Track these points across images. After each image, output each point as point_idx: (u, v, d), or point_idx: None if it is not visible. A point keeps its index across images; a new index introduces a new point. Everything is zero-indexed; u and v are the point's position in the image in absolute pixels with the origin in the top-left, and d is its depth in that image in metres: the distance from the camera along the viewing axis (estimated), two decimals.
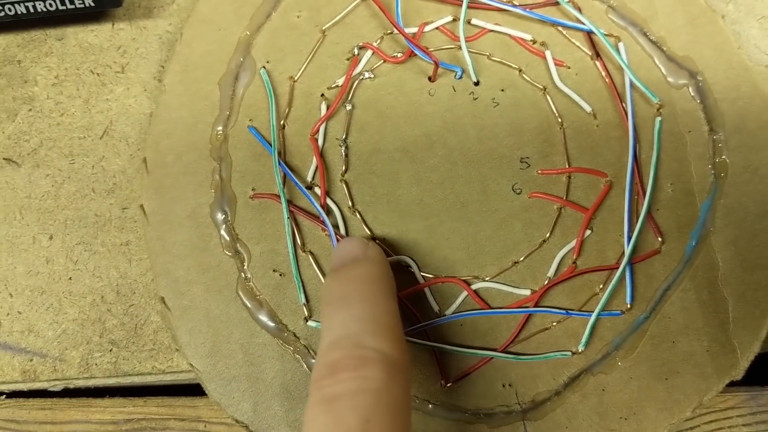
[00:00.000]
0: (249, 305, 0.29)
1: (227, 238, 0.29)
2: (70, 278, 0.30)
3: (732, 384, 0.29)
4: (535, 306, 0.29)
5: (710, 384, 0.28)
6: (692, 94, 0.30)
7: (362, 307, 0.24)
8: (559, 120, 0.30)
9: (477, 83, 0.31)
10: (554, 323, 0.29)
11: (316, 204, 0.29)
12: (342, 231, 0.29)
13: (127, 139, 0.31)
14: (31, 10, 0.30)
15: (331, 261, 0.27)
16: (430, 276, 0.29)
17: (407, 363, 0.23)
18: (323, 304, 0.25)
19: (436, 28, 0.31)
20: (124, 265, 0.30)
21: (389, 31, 0.31)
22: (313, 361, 0.28)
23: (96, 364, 0.30)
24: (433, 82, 0.31)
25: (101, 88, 0.32)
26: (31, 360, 0.30)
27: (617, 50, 0.31)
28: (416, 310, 0.29)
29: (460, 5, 0.31)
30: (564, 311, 0.29)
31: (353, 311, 0.23)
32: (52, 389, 0.30)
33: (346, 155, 0.30)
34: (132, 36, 0.32)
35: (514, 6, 0.31)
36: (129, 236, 0.30)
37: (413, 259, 0.29)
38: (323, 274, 0.29)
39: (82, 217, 0.31)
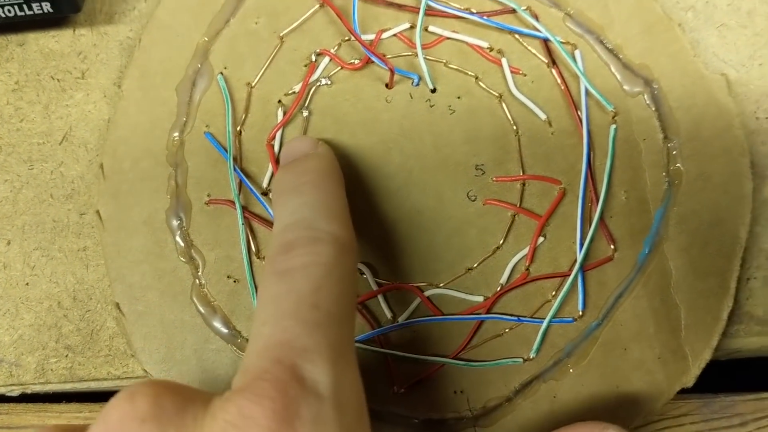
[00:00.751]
0: (203, 311, 0.29)
1: (182, 244, 0.29)
2: (27, 284, 0.30)
3: (684, 391, 0.29)
4: (488, 312, 0.29)
5: (661, 391, 0.29)
6: (648, 101, 0.31)
7: (314, 195, 0.25)
8: (515, 127, 0.30)
9: (434, 90, 0.31)
10: (506, 330, 0.29)
11: (271, 211, 0.29)
12: None
13: (86, 144, 0.31)
14: None
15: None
16: (385, 282, 0.29)
17: (355, 245, 0.25)
18: (276, 194, 0.27)
19: (394, 35, 0.31)
20: (81, 271, 0.30)
21: (347, 38, 0.31)
22: None
23: (52, 370, 0.30)
24: (390, 89, 0.31)
25: (61, 93, 0.32)
26: None
27: (573, 58, 0.31)
28: (370, 316, 0.29)
29: (418, 12, 0.31)
30: (516, 318, 0.29)
31: (305, 198, 0.25)
32: (8, 394, 0.30)
33: None
34: (93, 42, 0.32)
35: (471, 14, 0.31)
36: (86, 242, 0.31)
37: (368, 266, 0.29)
38: None
39: (40, 222, 0.31)
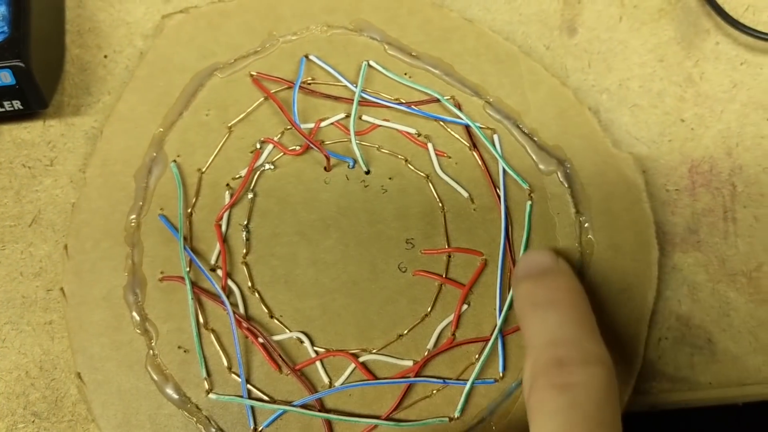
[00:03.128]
0: (156, 379, 0.32)
1: (137, 318, 0.32)
2: None
3: None
4: (416, 376, 0.32)
5: None
6: (561, 179, 0.34)
7: (574, 314, 0.27)
8: (441, 205, 0.34)
9: (368, 172, 0.34)
10: (434, 391, 0.32)
11: (217, 286, 0.32)
12: (241, 310, 0.32)
13: (54, 226, 0.35)
14: None
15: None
16: (322, 350, 0.32)
17: (614, 369, 0.26)
18: (529, 305, 0.28)
19: (331, 123, 0.35)
20: (48, 343, 0.33)
21: (289, 127, 0.34)
22: (213, 430, 0.31)
23: None
24: (328, 171, 0.34)
25: (32, 180, 0.35)
26: None
27: (492, 142, 0.34)
28: (308, 382, 0.32)
29: (352, 103, 0.34)
30: (442, 380, 0.32)
31: (566, 316, 0.27)
32: None
33: (248, 239, 0.33)
34: (61, 132, 0.36)
35: (400, 104, 0.35)
36: (52, 316, 0.33)
37: (307, 335, 0.32)
38: (224, 350, 0.32)
39: (10, 299, 0.34)
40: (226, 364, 0.32)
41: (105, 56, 0.37)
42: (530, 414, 0.26)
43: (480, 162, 0.34)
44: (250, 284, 0.33)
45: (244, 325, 0.32)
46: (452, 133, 0.35)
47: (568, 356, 0.26)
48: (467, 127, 0.34)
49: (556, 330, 0.27)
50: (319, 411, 0.31)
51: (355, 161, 0.34)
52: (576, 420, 0.24)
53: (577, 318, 0.27)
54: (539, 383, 0.25)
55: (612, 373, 0.26)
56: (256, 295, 0.33)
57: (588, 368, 0.25)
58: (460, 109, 0.34)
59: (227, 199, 0.34)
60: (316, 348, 0.32)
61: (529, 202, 0.33)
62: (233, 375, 0.32)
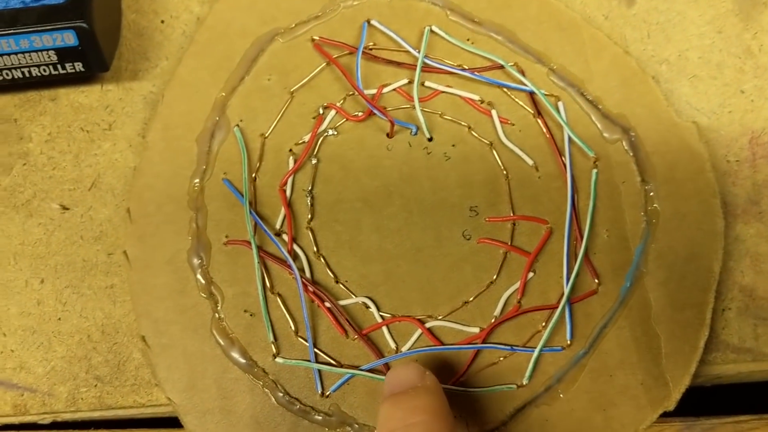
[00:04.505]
0: (222, 343, 0.31)
1: (203, 282, 0.32)
2: (59, 319, 0.33)
3: (666, 414, 0.31)
4: (483, 342, 0.32)
5: (645, 414, 0.31)
6: (626, 148, 0.34)
7: None
8: (505, 172, 0.33)
9: (430, 139, 0.34)
10: (501, 358, 0.32)
11: (284, 250, 0.32)
12: (308, 274, 0.32)
13: (113, 190, 0.34)
14: (27, 75, 0.33)
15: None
16: (388, 315, 0.32)
17: None
18: (383, 429, 0.26)
19: (394, 89, 0.34)
20: (109, 307, 0.33)
21: (351, 93, 0.34)
22: (281, 394, 0.31)
23: (82, 399, 0.32)
24: (390, 138, 0.34)
25: (90, 144, 0.35)
26: (22, 395, 0.32)
27: (557, 109, 0.34)
28: (375, 347, 0.32)
29: (416, 69, 0.34)
30: (509, 347, 0.31)
31: None
32: (41, 422, 0.33)
33: (312, 205, 0.33)
34: (119, 96, 0.36)
35: (464, 70, 0.34)
36: (114, 280, 0.33)
37: (373, 300, 0.32)
38: (290, 315, 0.32)
39: (71, 262, 0.34)
40: (293, 328, 0.32)
41: (162, 21, 0.37)
42: None
43: (545, 129, 0.34)
44: (315, 249, 0.33)
45: (311, 289, 0.32)
46: (516, 100, 0.34)
47: None
48: (531, 94, 0.34)
49: None
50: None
51: (418, 128, 0.34)
52: None
53: None
54: None
55: None
56: (322, 260, 0.33)
57: None
58: (524, 75, 0.34)
59: (291, 164, 0.33)
60: (381, 313, 0.32)
61: (595, 171, 0.33)
62: (300, 339, 0.32)
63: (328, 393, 0.31)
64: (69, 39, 0.32)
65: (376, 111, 0.33)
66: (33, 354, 0.33)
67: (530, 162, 0.33)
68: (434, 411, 0.26)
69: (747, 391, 0.34)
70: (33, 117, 0.35)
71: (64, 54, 0.33)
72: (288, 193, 0.33)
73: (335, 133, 0.34)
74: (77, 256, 0.34)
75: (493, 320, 0.32)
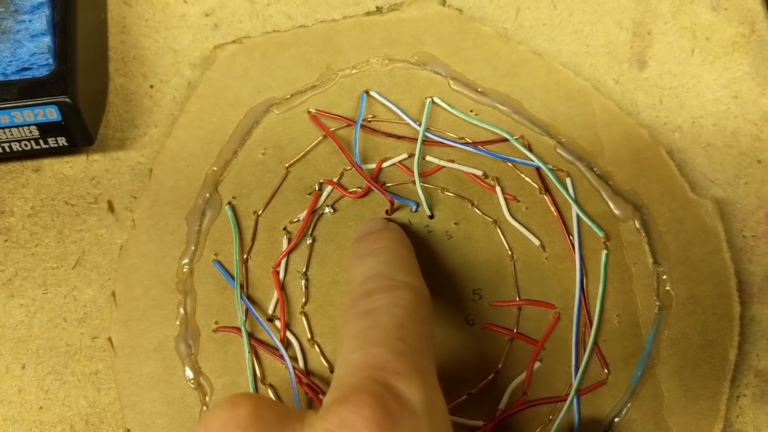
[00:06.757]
0: None
1: (190, 372, 0.30)
2: (41, 407, 0.31)
3: None
4: None
5: None
6: (638, 226, 0.32)
7: (389, 256, 0.28)
8: (510, 252, 0.32)
9: (432, 216, 0.32)
10: None
11: (275, 339, 0.30)
12: (300, 364, 0.31)
13: (99, 268, 0.33)
14: (7, 150, 0.32)
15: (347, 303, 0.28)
16: None
17: (429, 296, 0.26)
18: (351, 258, 0.29)
19: (393, 164, 0.33)
20: (93, 395, 0.31)
21: (349, 168, 0.33)
22: None
23: None
24: (390, 215, 0.32)
25: (75, 218, 0.33)
26: None
27: (564, 185, 0.32)
28: None
29: (416, 143, 0.32)
30: None
31: (381, 258, 0.27)
32: None
33: (307, 287, 0.31)
34: (105, 167, 0.34)
35: (466, 144, 0.33)
36: (98, 365, 0.32)
37: None
38: None
39: (53, 346, 0.32)
40: None
41: (151, 86, 0.35)
42: (339, 344, 0.25)
43: (552, 207, 0.32)
44: (309, 336, 0.31)
45: (305, 380, 0.30)
46: (522, 175, 0.33)
47: (375, 287, 0.25)
48: (538, 169, 0.32)
49: (369, 270, 0.27)
50: None
51: (419, 204, 0.32)
52: (374, 338, 0.23)
53: (393, 259, 0.27)
54: (348, 315, 0.25)
55: (421, 296, 0.26)
56: (316, 348, 0.31)
57: (392, 293, 0.25)
58: (530, 149, 0.33)
59: (285, 245, 0.32)
60: None
61: (605, 252, 0.32)
62: None
63: None
64: (51, 114, 0.31)
65: (374, 188, 0.32)
66: None
67: (537, 242, 0.32)
68: (396, 239, 0.29)
69: None
70: (15, 189, 0.34)
71: (47, 129, 0.31)
72: (281, 275, 0.31)
73: (332, 210, 0.32)
74: (60, 340, 0.32)
75: (497, 414, 0.30)
